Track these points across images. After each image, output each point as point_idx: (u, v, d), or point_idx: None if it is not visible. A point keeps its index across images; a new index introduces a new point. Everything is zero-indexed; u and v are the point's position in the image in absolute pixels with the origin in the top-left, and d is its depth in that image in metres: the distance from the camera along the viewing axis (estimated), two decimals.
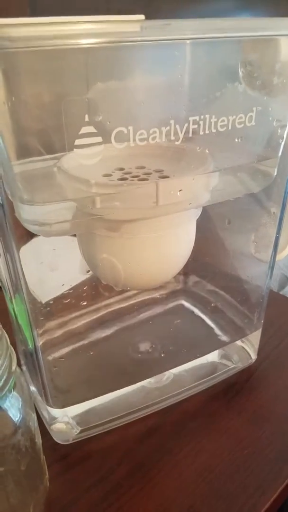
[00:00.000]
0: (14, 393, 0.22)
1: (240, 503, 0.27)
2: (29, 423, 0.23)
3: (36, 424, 0.25)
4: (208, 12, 0.91)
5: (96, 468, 0.29)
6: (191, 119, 0.21)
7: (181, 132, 0.22)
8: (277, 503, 0.28)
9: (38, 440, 0.25)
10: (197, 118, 0.21)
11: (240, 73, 0.23)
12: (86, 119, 0.19)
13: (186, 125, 0.21)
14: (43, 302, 0.32)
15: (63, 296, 0.33)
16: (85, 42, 0.18)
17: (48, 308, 0.32)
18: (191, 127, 0.22)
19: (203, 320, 0.38)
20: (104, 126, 0.21)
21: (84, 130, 0.20)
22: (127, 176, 0.26)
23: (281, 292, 0.95)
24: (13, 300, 0.30)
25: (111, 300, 0.37)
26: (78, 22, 0.17)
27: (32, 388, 0.33)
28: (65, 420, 0.31)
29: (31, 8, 0.61)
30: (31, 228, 0.24)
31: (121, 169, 0.27)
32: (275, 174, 0.28)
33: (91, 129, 0.20)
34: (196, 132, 0.22)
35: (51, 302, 0.32)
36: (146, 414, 0.33)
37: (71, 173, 0.24)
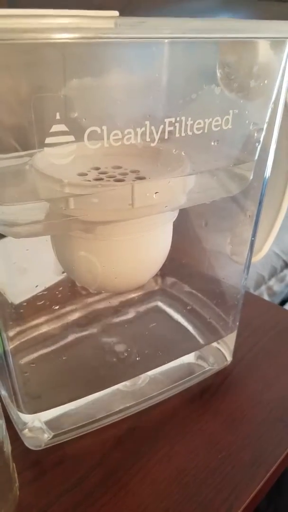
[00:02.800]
0: None
1: (215, 507, 0.27)
2: None
3: (4, 431, 0.24)
4: (188, 11, 0.91)
5: (69, 474, 0.29)
6: (166, 120, 0.21)
7: (157, 133, 0.21)
8: (251, 506, 0.28)
9: (7, 447, 0.24)
10: (173, 119, 0.21)
11: (218, 75, 0.23)
12: (58, 117, 0.19)
13: (161, 126, 0.21)
14: (15, 303, 0.31)
15: (36, 298, 0.32)
16: (57, 36, 0.17)
17: (21, 310, 0.31)
18: (167, 128, 0.21)
19: (179, 322, 0.38)
20: (78, 125, 0.20)
21: (55, 128, 0.19)
22: (103, 176, 0.25)
23: (257, 291, 0.97)
24: None
25: (86, 302, 0.36)
26: (51, 15, 0.17)
27: (3, 392, 0.32)
28: (37, 425, 0.30)
29: (10, 2, 0.59)
30: (0, 228, 0.23)
31: (97, 168, 0.26)
32: (251, 177, 0.27)
33: (62, 127, 0.19)
34: (172, 134, 0.22)
35: (24, 304, 0.31)
36: (121, 417, 0.32)
37: (44, 171, 0.23)
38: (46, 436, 0.30)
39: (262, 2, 1.02)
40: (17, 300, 0.31)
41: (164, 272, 0.40)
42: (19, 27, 0.17)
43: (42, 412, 0.30)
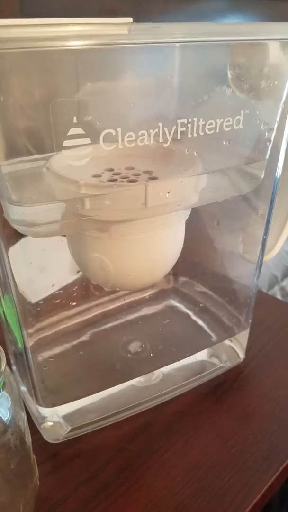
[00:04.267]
0: (4, 392, 0.23)
1: (228, 500, 0.28)
2: (18, 422, 0.23)
3: (26, 423, 0.25)
4: (199, 12, 0.91)
5: (85, 466, 0.30)
6: (179, 121, 0.22)
7: (169, 134, 0.22)
8: (263, 500, 0.29)
9: (28, 439, 0.25)
10: (185, 121, 0.22)
11: (229, 76, 0.23)
12: (75, 120, 0.20)
13: (174, 127, 0.22)
14: (33, 301, 0.32)
15: (53, 297, 0.33)
16: (74, 44, 0.18)
17: (38, 309, 0.32)
18: (179, 129, 0.22)
19: (192, 320, 0.39)
20: (93, 127, 0.21)
21: (73, 131, 0.20)
22: (116, 177, 0.26)
23: (270, 292, 0.96)
24: (2, 300, 0.30)
25: (101, 300, 0.37)
26: (67, 24, 0.17)
27: (22, 387, 0.33)
28: (55, 419, 0.31)
29: (21, 4, 0.61)
30: (20, 228, 0.24)
31: (111, 169, 0.27)
32: (262, 176, 0.28)
33: (79, 130, 0.20)
34: (184, 135, 0.22)
35: (41, 302, 0.32)
36: (135, 413, 0.33)
37: (61, 173, 0.24)
38: (64, 429, 0.31)
39: (271, 2, 1.02)
40: (35, 299, 0.32)
41: (177, 270, 0.41)
42: (38, 35, 0.17)
43: (60, 407, 0.31)
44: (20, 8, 0.62)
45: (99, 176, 0.26)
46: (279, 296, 1.00)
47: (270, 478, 0.29)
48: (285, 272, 1.03)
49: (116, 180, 0.26)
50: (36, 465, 0.27)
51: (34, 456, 0.27)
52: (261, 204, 0.31)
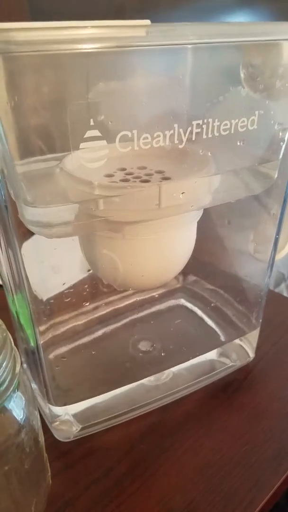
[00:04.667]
0: (18, 393, 0.23)
1: (238, 498, 0.28)
2: (32, 422, 0.24)
3: (39, 422, 0.25)
4: (207, 7, 0.90)
5: (97, 465, 0.30)
6: (194, 123, 0.22)
7: (185, 135, 0.22)
8: (274, 498, 0.29)
9: (41, 438, 0.25)
10: (200, 122, 0.22)
11: (243, 77, 0.23)
12: (92, 123, 0.20)
13: (189, 128, 0.22)
14: (44, 300, 0.32)
15: (64, 295, 0.33)
16: (90, 46, 0.18)
17: (50, 307, 0.32)
18: (195, 130, 0.22)
19: (202, 319, 0.39)
20: (108, 129, 0.21)
21: (89, 134, 0.20)
22: (129, 177, 0.26)
23: (277, 289, 0.96)
24: (15, 298, 0.31)
25: (112, 298, 0.37)
26: (84, 27, 0.17)
27: (33, 385, 0.33)
28: (66, 418, 0.31)
29: (30, 2, 0.60)
30: (34, 229, 0.24)
31: (123, 169, 0.27)
32: (275, 176, 0.28)
33: (96, 132, 0.20)
34: (199, 136, 0.22)
35: (53, 301, 0.32)
36: (146, 411, 0.33)
37: (74, 174, 0.24)
38: (75, 428, 0.31)
39: None
40: (46, 297, 0.32)
41: (188, 270, 0.41)
42: (55, 38, 0.17)
43: (71, 405, 0.31)
44: (28, 2, 0.61)
45: (111, 176, 0.26)
46: (285, 293, 1.00)
47: (280, 477, 0.29)
48: None
49: (128, 180, 0.25)
50: (48, 464, 0.27)
51: (47, 455, 0.27)
52: (274, 203, 0.31)
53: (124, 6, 0.69)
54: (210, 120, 0.22)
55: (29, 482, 0.25)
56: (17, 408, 0.23)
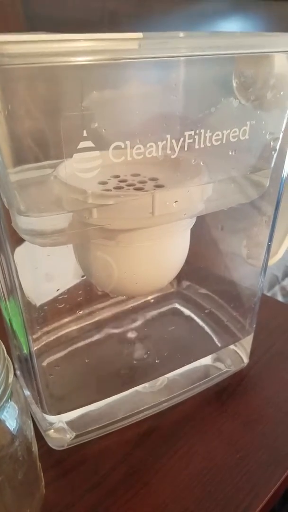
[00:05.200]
0: (11, 402, 0.23)
1: (234, 505, 0.28)
2: (26, 432, 0.24)
3: (32, 432, 0.25)
4: (201, 13, 0.91)
5: (91, 473, 0.30)
6: (186, 133, 0.22)
7: (177, 146, 0.22)
8: (269, 505, 0.29)
9: (35, 448, 0.25)
10: (192, 132, 0.22)
11: (235, 87, 0.23)
12: (85, 134, 0.20)
13: (181, 139, 0.22)
14: (38, 306, 0.32)
15: (57, 301, 0.33)
16: (84, 59, 0.18)
17: (43, 314, 0.32)
18: (187, 141, 0.22)
19: (197, 325, 0.39)
20: (102, 139, 0.21)
21: (83, 145, 0.20)
22: (122, 184, 0.26)
23: (270, 291, 0.97)
24: (7, 304, 0.31)
25: (106, 304, 0.37)
26: (77, 39, 0.17)
27: (27, 392, 0.33)
28: (60, 426, 0.31)
29: (24, 5, 0.60)
30: (28, 238, 0.24)
31: (117, 176, 0.27)
32: (267, 184, 0.28)
33: (89, 143, 0.20)
34: (191, 146, 0.22)
35: (46, 307, 0.32)
36: (140, 418, 0.33)
37: (68, 182, 0.24)
38: (69, 436, 0.31)
39: (274, 3, 1.01)
40: (39, 303, 0.32)
41: (182, 275, 0.41)
42: (49, 51, 0.18)
43: (65, 413, 0.31)
44: (23, 9, 0.62)
45: (105, 183, 0.26)
46: (279, 296, 1.00)
47: (275, 483, 0.29)
48: (286, 272, 1.03)
49: (122, 187, 0.26)
50: (42, 473, 0.27)
51: (40, 464, 0.27)
52: (266, 210, 0.31)
53: (118, 13, 0.70)
54: (202, 131, 0.22)
55: (22, 492, 0.25)
56: (10, 418, 0.22)
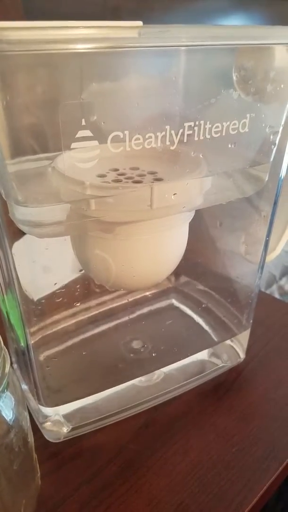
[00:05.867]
0: (8, 393, 0.23)
1: (229, 499, 0.28)
2: (22, 422, 0.24)
3: (28, 423, 0.25)
4: (202, 10, 0.91)
5: (87, 465, 0.30)
6: (186, 124, 0.22)
7: (176, 137, 0.22)
8: (263, 499, 0.29)
9: (31, 439, 0.25)
10: (192, 124, 0.22)
11: (235, 79, 0.23)
12: (83, 123, 0.20)
13: (181, 130, 0.22)
14: (36, 300, 0.32)
15: (55, 295, 0.33)
16: (83, 47, 0.18)
17: (41, 307, 0.32)
18: (186, 132, 0.22)
19: (193, 320, 0.39)
20: (100, 129, 0.21)
21: (81, 134, 0.20)
22: (121, 177, 0.26)
23: (268, 290, 0.97)
24: (5, 297, 0.30)
25: (104, 299, 0.37)
26: (76, 27, 0.17)
27: (23, 386, 0.33)
28: (56, 418, 0.31)
29: (24, 2, 0.60)
30: (25, 229, 0.24)
31: (116, 169, 0.27)
32: (266, 179, 0.28)
33: (87, 133, 0.20)
34: (190, 137, 0.22)
35: (44, 301, 0.32)
36: (137, 412, 0.33)
37: (66, 173, 0.24)
38: (65, 429, 0.31)
39: (275, 0, 1.01)
40: (37, 297, 0.32)
41: (179, 270, 0.41)
42: (47, 38, 0.17)
43: (61, 406, 0.31)
44: (23, 3, 0.61)
45: (104, 176, 0.26)
46: (277, 295, 1.00)
47: (270, 478, 0.29)
48: (284, 271, 1.03)
49: (121, 180, 0.26)
50: (37, 464, 0.27)
51: (36, 455, 0.27)
52: (264, 205, 0.31)
53: (119, 8, 0.70)
54: (202, 122, 0.22)
55: (18, 483, 0.24)
56: (6, 408, 0.22)
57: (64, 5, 0.65)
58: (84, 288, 0.35)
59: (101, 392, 0.32)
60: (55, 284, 0.33)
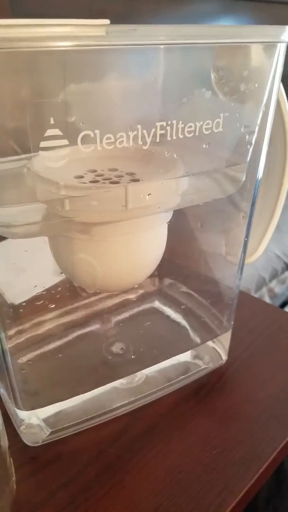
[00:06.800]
0: None
1: (207, 502, 0.28)
2: None
3: (1, 427, 0.24)
4: (190, 14, 0.91)
5: (65, 469, 0.29)
6: (158, 124, 0.22)
7: (149, 137, 0.22)
8: (243, 502, 0.29)
9: (4, 442, 0.25)
10: (164, 123, 0.22)
11: (213, 80, 0.23)
12: (52, 121, 0.19)
13: (153, 130, 0.22)
14: (15, 303, 0.31)
15: (35, 298, 0.33)
16: (50, 45, 0.18)
17: (20, 310, 0.32)
18: (159, 132, 0.22)
19: (175, 321, 0.39)
20: (72, 129, 0.21)
21: (50, 132, 0.20)
22: (99, 178, 0.26)
23: (258, 293, 0.97)
24: None
25: (84, 302, 0.37)
26: (44, 25, 0.17)
27: (1, 389, 0.33)
28: (34, 422, 0.31)
29: (10, 3, 0.60)
30: None
31: (94, 171, 0.27)
32: (243, 179, 0.28)
33: (56, 131, 0.20)
34: (163, 137, 0.22)
35: (22, 303, 0.32)
36: (117, 415, 0.33)
37: (42, 174, 0.23)
38: (44, 432, 0.31)
39: (263, 4, 1.02)
40: (16, 300, 0.31)
41: (160, 272, 0.41)
42: (17, 36, 0.17)
43: (40, 409, 0.31)
44: (10, 6, 0.61)
45: (81, 177, 0.26)
46: (267, 298, 1.00)
47: (249, 480, 0.29)
48: (273, 273, 1.04)
49: (98, 181, 0.25)
50: (13, 468, 0.27)
51: (11, 459, 0.27)
52: (243, 206, 0.31)
53: (105, 12, 0.70)
54: (174, 121, 0.22)
55: None
56: None
57: (50, 9, 0.65)
58: (65, 290, 0.35)
59: (81, 395, 0.32)
60: (35, 286, 0.33)
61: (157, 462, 0.30)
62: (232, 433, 0.32)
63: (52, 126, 0.19)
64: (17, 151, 0.22)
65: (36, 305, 0.33)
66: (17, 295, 0.32)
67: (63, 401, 0.31)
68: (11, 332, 0.30)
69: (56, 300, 0.35)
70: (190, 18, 0.92)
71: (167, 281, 0.41)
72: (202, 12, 0.95)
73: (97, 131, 0.20)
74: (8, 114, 0.21)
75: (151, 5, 0.88)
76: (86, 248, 0.27)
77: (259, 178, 0.29)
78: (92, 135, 0.20)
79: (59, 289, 0.35)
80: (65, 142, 0.20)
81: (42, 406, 0.30)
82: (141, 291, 0.39)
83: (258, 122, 0.26)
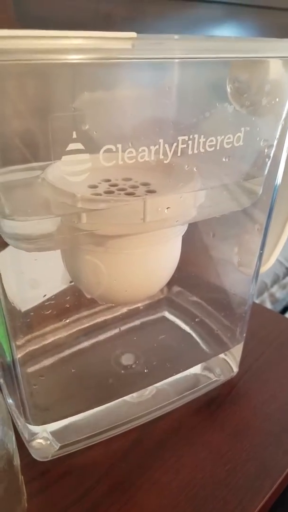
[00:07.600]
0: None
1: None
2: (7, 445, 0.23)
3: (14, 444, 0.24)
4: (195, 18, 0.91)
5: (75, 485, 0.29)
6: (180, 138, 0.21)
7: (170, 151, 0.21)
8: None
9: (17, 461, 0.24)
10: (186, 137, 0.21)
11: (229, 92, 0.23)
12: (74, 135, 0.19)
13: (175, 144, 0.21)
14: (23, 312, 0.31)
15: (44, 307, 0.32)
16: (75, 57, 0.17)
17: (28, 320, 0.31)
18: (180, 146, 0.21)
19: (186, 333, 0.38)
20: (92, 141, 0.20)
21: (72, 146, 0.19)
22: (113, 188, 0.25)
23: (259, 298, 0.97)
24: None
25: (94, 311, 0.36)
26: (69, 37, 0.17)
27: (9, 401, 0.32)
28: (44, 436, 0.30)
29: (16, 8, 0.60)
30: (12, 243, 0.23)
31: (108, 180, 0.26)
32: (260, 192, 0.28)
33: (78, 145, 0.19)
34: (184, 151, 0.22)
35: (32, 313, 0.31)
36: (128, 429, 0.32)
37: (56, 185, 0.23)
38: (53, 447, 0.30)
39: (267, 10, 1.02)
40: (25, 309, 0.31)
41: (172, 282, 0.40)
42: (38, 48, 0.17)
43: (49, 424, 0.30)
44: (15, 9, 0.61)
45: (95, 187, 0.25)
46: (268, 303, 1.00)
47: (264, 495, 0.29)
48: (275, 279, 1.04)
49: (113, 192, 0.25)
50: (24, 486, 0.26)
51: (22, 477, 0.26)
52: (259, 218, 0.31)
53: (111, 15, 0.69)
54: (196, 136, 0.21)
55: (2, 507, 0.23)
56: None
57: (56, 12, 0.64)
58: (74, 300, 0.34)
59: (91, 409, 0.31)
60: (44, 296, 0.32)
61: (169, 478, 0.30)
62: (244, 447, 0.32)
63: (74, 140, 0.19)
64: (28, 160, 0.22)
65: (45, 315, 0.33)
66: (26, 304, 0.31)
67: (73, 416, 0.31)
68: (20, 342, 0.30)
69: (65, 310, 0.34)
70: (194, 22, 0.92)
71: (177, 290, 0.41)
72: (206, 16, 0.95)
73: (119, 145, 0.20)
74: (25, 127, 0.21)
75: (156, 9, 0.87)
76: (100, 261, 0.27)
77: (276, 190, 0.29)
78: (114, 149, 0.20)
79: (68, 298, 0.34)
80: (86, 156, 0.20)
81: (53, 421, 0.30)
82: (152, 302, 0.39)
83: (277, 136, 0.26)
